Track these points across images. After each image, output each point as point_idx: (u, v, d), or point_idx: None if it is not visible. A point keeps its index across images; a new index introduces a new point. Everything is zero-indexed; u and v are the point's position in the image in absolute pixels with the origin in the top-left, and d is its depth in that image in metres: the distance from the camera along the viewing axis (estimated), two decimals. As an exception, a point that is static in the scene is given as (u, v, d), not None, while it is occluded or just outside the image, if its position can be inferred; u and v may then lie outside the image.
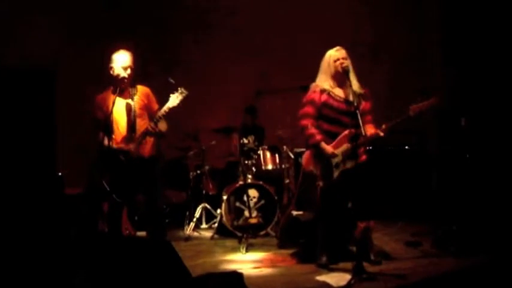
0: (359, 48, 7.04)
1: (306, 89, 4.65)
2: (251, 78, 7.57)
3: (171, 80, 4.47)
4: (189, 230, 6.11)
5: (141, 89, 4.59)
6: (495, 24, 6.15)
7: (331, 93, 4.41)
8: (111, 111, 4.43)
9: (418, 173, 6.64)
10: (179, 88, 4.42)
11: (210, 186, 6.82)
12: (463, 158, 5.64)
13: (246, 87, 7.07)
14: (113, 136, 4.48)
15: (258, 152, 6.16)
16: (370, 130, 4.31)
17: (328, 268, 4.27)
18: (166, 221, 6.62)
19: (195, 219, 6.23)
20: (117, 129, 4.50)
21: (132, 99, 4.51)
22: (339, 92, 4.44)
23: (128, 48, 4.53)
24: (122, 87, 4.46)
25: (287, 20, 7.83)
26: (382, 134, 4.22)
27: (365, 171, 4.32)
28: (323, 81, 4.46)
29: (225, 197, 5.90)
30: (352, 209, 4.33)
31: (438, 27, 7.26)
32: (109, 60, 4.48)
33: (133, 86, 4.56)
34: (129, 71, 4.46)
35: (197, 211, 6.36)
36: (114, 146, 4.45)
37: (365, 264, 4.01)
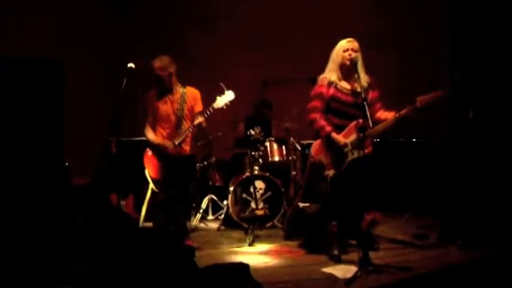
0: (366, 40, 6.99)
1: (314, 81, 4.65)
2: (258, 70, 7.55)
3: (221, 85, 4.83)
4: (195, 221, 6.12)
5: (190, 91, 4.94)
6: (506, 14, 6.08)
7: (338, 85, 4.44)
8: (159, 108, 4.88)
9: (425, 166, 6.62)
10: (226, 91, 4.84)
11: (217, 177, 6.82)
12: (471, 150, 5.61)
13: (252, 79, 7.05)
14: (160, 131, 4.91)
15: (265, 144, 6.16)
16: (384, 115, 4.37)
17: (341, 260, 4.26)
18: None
19: (201, 211, 6.24)
20: (164, 125, 4.89)
21: (182, 100, 4.86)
22: (346, 84, 4.46)
23: (166, 54, 4.89)
24: (166, 87, 4.86)
25: (294, 10, 7.79)
26: (392, 122, 4.25)
27: (371, 163, 4.32)
28: (331, 72, 4.47)
29: (231, 189, 5.90)
30: (359, 200, 4.32)
31: (446, 18, 7.19)
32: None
33: (184, 87, 4.93)
34: (165, 72, 4.80)
35: (204, 202, 6.37)
36: (156, 140, 4.87)
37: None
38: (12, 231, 3.75)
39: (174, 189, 4.82)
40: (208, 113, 4.81)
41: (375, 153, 4.47)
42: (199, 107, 4.93)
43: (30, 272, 3.40)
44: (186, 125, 4.86)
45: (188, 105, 4.89)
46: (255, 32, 7.88)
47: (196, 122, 4.79)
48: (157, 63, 4.80)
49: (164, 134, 4.89)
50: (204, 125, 4.84)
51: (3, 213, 3.85)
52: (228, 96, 4.85)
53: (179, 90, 4.91)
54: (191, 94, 4.94)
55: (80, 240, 3.78)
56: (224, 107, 4.84)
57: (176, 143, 4.79)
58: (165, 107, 4.89)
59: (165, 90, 4.89)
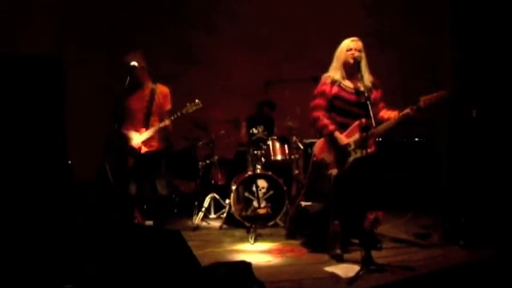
0: (367, 39, 6.99)
1: (317, 80, 4.67)
2: (260, 69, 7.55)
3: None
4: (197, 219, 6.12)
5: (160, 88, 5.18)
6: (507, 12, 6.07)
7: (342, 84, 4.45)
8: (128, 102, 5.10)
9: (428, 165, 6.61)
10: (196, 100, 5.17)
11: (219, 176, 6.82)
12: (473, 149, 5.60)
13: (255, 78, 7.05)
14: (127, 125, 5.09)
15: (268, 143, 6.16)
16: (387, 114, 4.37)
17: (343, 259, 4.25)
18: (175, 210, 6.70)
19: (203, 209, 6.23)
20: (132, 120, 5.11)
21: (152, 96, 5.11)
22: (349, 83, 4.47)
23: (138, 50, 5.16)
24: (137, 81, 5.07)
25: (296, 10, 7.79)
26: (395, 122, 4.25)
27: (374, 162, 4.31)
28: (335, 70, 4.48)
29: (234, 187, 5.90)
30: (362, 199, 4.32)
31: (448, 18, 7.18)
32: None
33: (154, 83, 5.18)
34: (137, 66, 5.01)
35: (206, 201, 6.36)
36: (124, 131, 5.05)
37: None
38: (15, 229, 3.76)
39: (145, 183, 5.15)
40: (175, 116, 5.06)
41: (377, 153, 4.47)
42: (168, 105, 5.19)
43: (33, 271, 3.40)
44: (154, 121, 5.11)
45: (157, 102, 5.13)
46: (258, 32, 7.88)
47: (162, 124, 5.05)
48: (129, 57, 5.04)
49: (131, 128, 5.11)
50: (169, 128, 5.11)
51: (7, 212, 3.86)
52: (196, 105, 5.18)
53: (149, 86, 5.15)
54: (161, 91, 5.17)
55: (83, 238, 3.78)
56: (192, 113, 5.20)
57: (143, 139, 5.05)
58: (134, 102, 5.12)
59: (136, 85, 5.09)
